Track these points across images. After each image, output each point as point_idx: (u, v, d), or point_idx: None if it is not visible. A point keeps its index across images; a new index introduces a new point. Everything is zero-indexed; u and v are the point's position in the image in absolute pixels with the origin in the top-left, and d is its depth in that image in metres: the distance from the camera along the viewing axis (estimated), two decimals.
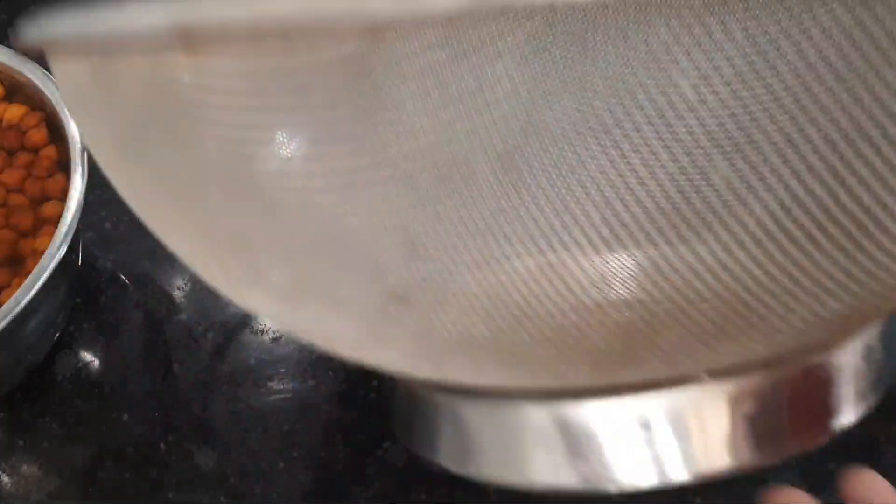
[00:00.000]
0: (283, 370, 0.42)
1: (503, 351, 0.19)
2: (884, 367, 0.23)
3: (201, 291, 0.44)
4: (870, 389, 0.23)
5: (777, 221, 0.17)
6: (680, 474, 0.21)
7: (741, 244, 0.17)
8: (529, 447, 0.22)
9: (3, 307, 0.33)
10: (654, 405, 0.21)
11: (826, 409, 0.22)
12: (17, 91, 0.41)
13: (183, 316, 0.43)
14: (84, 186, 0.37)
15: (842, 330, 0.20)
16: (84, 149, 0.38)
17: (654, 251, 0.17)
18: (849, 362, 0.22)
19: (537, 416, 0.22)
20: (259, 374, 0.42)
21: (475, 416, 0.23)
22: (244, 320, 0.43)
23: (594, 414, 0.21)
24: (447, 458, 0.25)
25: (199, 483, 0.39)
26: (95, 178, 0.47)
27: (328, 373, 0.42)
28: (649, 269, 0.17)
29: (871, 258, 0.17)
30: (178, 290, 0.44)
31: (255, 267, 0.21)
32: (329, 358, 0.42)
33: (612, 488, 0.21)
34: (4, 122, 0.41)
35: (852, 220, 0.16)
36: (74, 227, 0.36)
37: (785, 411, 0.21)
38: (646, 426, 0.21)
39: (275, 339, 0.43)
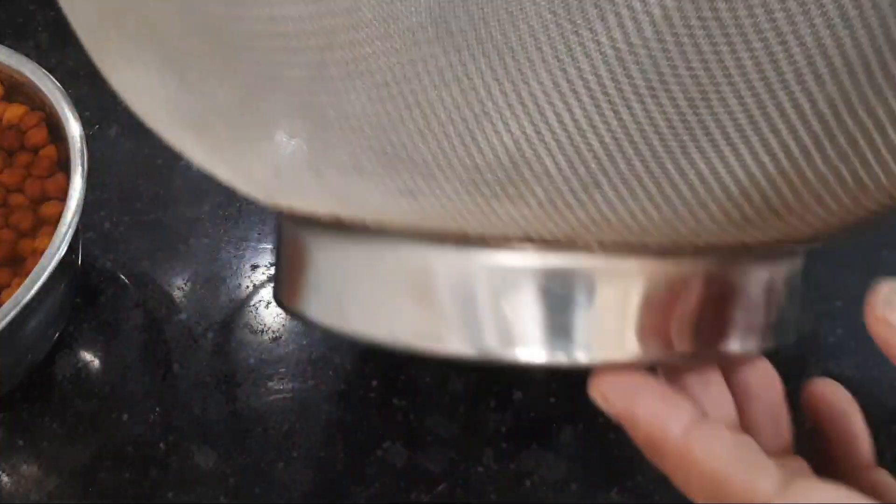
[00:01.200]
0: (283, 370, 0.42)
1: (381, 140, 0.18)
2: (783, 316, 0.23)
3: (201, 291, 0.44)
4: (763, 329, 0.22)
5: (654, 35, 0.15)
6: (563, 355, 0.20)
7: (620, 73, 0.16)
8: (409, 301, 0.21)
9: (3, 307, 0.33)
10: (544, 270, 0.20)
11: (717, 326, 0.21)
12: (17, 91, 0.41)
13: (183, 316, 0.43)
14: (84, 186, 0.37)
15: (735, 233, 0.19)
16: (84, 148, 0.38)
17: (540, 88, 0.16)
18: (749, 289, 0.21)
19: (419, 262, 0.20)
20: (259, 374, 0.42)
21: (353, 261, 0.22)
22: (244, 320, 0.43)
23: (482, 269, 0.20)
24: (321, 311, 0.23)
25: (199, 483, 0.39)
26: (95, 178, 0.47)
27: (328, 373, 0.42)
28: (531, 99, 0.16)
29: (756, 131, 0.16)
30: (178, 290, 0.44)
31: (148, 30, 0.20)
32: (329, 358, 0.42)
33: (503, 359, 0.20)
34: (4, 122, 0.41)
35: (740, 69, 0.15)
36: (74, 226, 0.36)
37: (677, 312, 0.20)
38: (541, 294, 0.20)
39: (275, 339, 0.43)
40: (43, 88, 0.40)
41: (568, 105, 0.16)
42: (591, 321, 0.20)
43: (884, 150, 0.17)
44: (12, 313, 0.33)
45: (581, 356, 0.20)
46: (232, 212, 0.46)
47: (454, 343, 0.20)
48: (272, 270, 0.45)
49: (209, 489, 0.39)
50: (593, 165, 0.17)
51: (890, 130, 0.17)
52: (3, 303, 0.34)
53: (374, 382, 0.41)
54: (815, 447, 0.24)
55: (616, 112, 0.16)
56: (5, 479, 0.40)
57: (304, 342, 0.42)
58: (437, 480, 0.39)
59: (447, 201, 0.19)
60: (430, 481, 0.39)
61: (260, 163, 0.21)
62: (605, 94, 0.16)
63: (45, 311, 0.37)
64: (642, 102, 0.16)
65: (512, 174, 0.18)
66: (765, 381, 0.24)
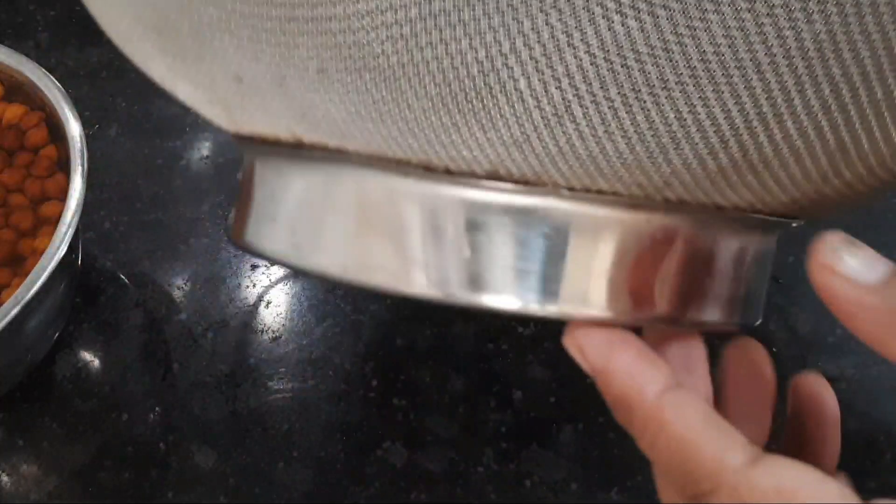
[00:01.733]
0: (282, 370, 0.42)
1: (348, 40, 0.17)
2: (751, 293, 0.22)
3: (201, 291, 0.44)
4: (730, 302, 0.21)
5: None
6: (524, 304, 0.19)
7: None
8: (367, 234, 0.20)
9: (3, 307, 0.33)
10: (513, 212, 0.19)
11: (686, 290, 0.20)
12: (17, 91, 0.41)
13: (183, 316, 0.43)
14: (84, 186, 0.37)
15: (709, 189, 0.18)
16: (83, 148, 0.38)
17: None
18: (719, 257, 0.21)
19: (381, 192, 0.19)
20: (259, 374, 0.42)
21: (312, 189, 0.21)
22: (244, 320, 0.43)
23: (447, 204, 0.19)
24: (274, 244, 0.21)
25: (199, 483, 0.39)
26: (95, 178, 0.47)
27: (328, 373, 0.42)
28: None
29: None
30: (178, 290, 0.44)
31: None
32: (329, 358, 0.42)
33: (469, 304, 0.19)
34: (4, 122, 0.41)
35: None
36: (74, 226, 0.36)
37: (647, 271, 0.20)
38: (510, 238, 0.19)
39: (275, 339, 0.43)
40: (43, 88, 0.40)
41: (547, 16, 0.16)
42: (561, 272, 0.19)
43: (867, 107, 0.17)
44: (12, 313, 0.33)
45: (549, 308, 0.19)
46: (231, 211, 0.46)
47: (417, 283, 0.19)
48: (272, 270, 0.45)
49: (209, 489, 0.39)
50: (567, 89, 0.16)
51: (875, 83, 0.17)
52: (3, 302, 0.34)
53: (374, 382, 0.41)
54: (784, 439, 0.24)
55: (597, 30, 0.16)
56: (5, 479, 0.40)
57: (304, 342, 0.42)
58: (437, 480, 0.39)
59: (413, 120, 0.18)
60: (430, 481, 0.39)
61: (222, 68, 0.20)
62: (588, 10, 0.15)
63: (44, 311, 0.37)
64: (624, 23, 0.15)
65: (482, 91, 0.17)
66: (759, 380, 0.24)
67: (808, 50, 0.16)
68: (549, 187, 0.19)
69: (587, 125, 0.17)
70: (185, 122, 0.49)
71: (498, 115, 0.17)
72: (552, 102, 0.17)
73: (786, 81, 0.16)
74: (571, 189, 0.19)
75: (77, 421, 0.41)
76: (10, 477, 0.40)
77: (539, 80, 0.16)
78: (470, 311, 0.20)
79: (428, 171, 0.19)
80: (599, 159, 0.18)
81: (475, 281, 0.19)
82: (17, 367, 0.39)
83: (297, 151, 0.21)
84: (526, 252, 0.19)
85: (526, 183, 0.19)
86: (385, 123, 0.18)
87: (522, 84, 0.17)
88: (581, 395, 0.41)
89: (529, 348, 0.42)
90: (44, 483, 0.39)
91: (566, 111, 0.17)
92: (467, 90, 0.17)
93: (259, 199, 0.22)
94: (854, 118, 0.17)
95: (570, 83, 0.16)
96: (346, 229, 0.20)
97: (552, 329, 0.43)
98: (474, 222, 0.19)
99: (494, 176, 0.19)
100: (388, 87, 0.18)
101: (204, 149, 0.49)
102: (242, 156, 0.24)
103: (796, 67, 0.16)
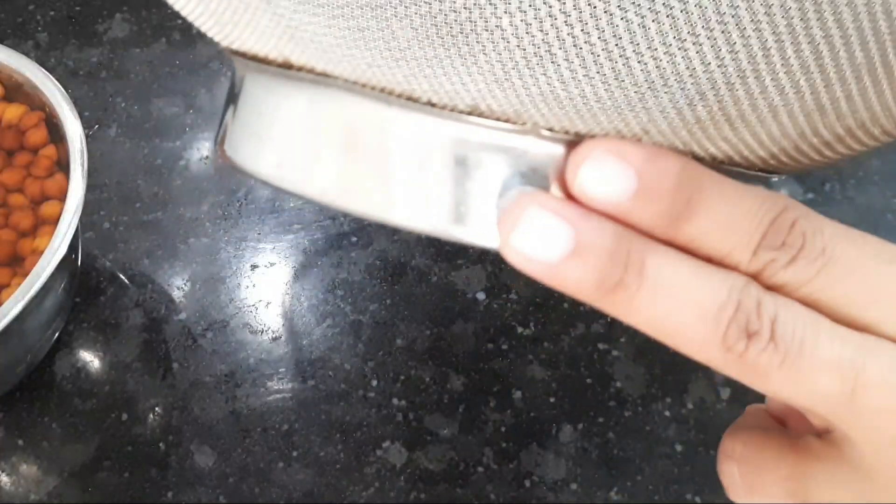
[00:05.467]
0: (282, 370, 0.42)
1: None
2: None
3: (201, 291, 0.44)
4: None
5: None
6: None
7: None
8: (351, 160, 0.20)
9: (3, 307, 0.33)
10: (493, 148, 0.19)
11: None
12: (17, 91, 0.41)
13: (182, 315, 0.43)
14: (84, 186, 0.37)
15: (685, 137, 0.18)
16: (83, 148, 0.38)
17: None
18: None
19: (363, 117, 0.20)
20: (259, 374, 0.42)
21: (297, 108, 0.21)
22: (244, 320, 0.43)
23: (427, 134, 0.19)
24: (262, 166, 0.22)
25: (199, 483, 0.39)
26: (95, 178, 0.47)
27: (328, 373, 0.42)
28: None
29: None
30: (178, 289, 0.44)
31: None
32: (329, 358, 0.42)
33: (451, 237, 0.19)
34: (4, 122, 0.41)
35: None
36: (74, 226, 0.36)
37: None
38: (490, 174, 0.19)
39: (275, 339, 0.43)
40: (43, 88, 0.40)
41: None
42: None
43: (846, 69, 0.17)
44: (12, 313, 0.33)
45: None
46: (231, 212, 0.46)
47: (396, 211, 0.19)
48: (272, 270, 0.45)
49: (209, 489, 0.39)
50: (549, 30, 0.17)
51: (855, 45, 0.17)
52: (3, 302, 0.34)
53: (374, 382, 0.41)
54: None
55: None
56: (5, 479, 0.40)
57: (304, 342, 0.42)
58: (437, 480, 0.39)
59: (397, 49, 0.18)
60: (430, 481, 0.39)
61: None
62: None
63: (44, 311, 0.37)
64: None
65: (465, 26, 0.17)
66: None
67: (790, 9, 0.16)
68: (529, 127, 0.19)
69: (567, 67, 0.17)
70: (184, 122, 0.49)
71: (480, 52, 0.17)
72: (533, 42, 0.17)
73: (765, 38, 0.17)
74: (551, 130, 0.19)
75: (77, 421, 0.41)
76: (9, 477, 0.40)
77: (521, 19, 0.17)
78: (450, 244, 0.19)
79: (411, 100, 0.19)
80: (578, 102, 0.18)
81: (454, 214, 0.19)
82: (17, 367, 0.39)
83: (285, 71, 0.21)
84: (505, 190, 0.19)
85: (507, 121, 0.19)
86: (370, 51, 0.18)
87: (505, 22, 0.17)
88: (581, 395, 0.41)
89: (529, 348, 0.42)
90: (44, 483, 0.39)
91: (547, 52, 0.17)
92: (451, 24, 0.17)
93: (246, 114, 0.23)
94: (833, 79, 0.17)
95: (552, 24, 0.17)
96: (328, 152, 0.20)
97: (552, 329, 0.43)
98: (455, 155, 0.19)
99: (476, 112, 0.19)
100: (375, 15, 0.18)
101: (204, 149, 0.49)
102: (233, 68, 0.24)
103: (777, 25, 0.16)
